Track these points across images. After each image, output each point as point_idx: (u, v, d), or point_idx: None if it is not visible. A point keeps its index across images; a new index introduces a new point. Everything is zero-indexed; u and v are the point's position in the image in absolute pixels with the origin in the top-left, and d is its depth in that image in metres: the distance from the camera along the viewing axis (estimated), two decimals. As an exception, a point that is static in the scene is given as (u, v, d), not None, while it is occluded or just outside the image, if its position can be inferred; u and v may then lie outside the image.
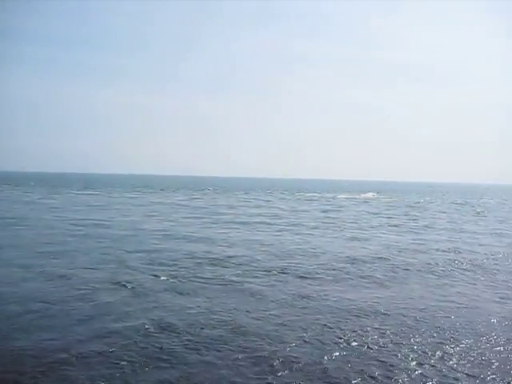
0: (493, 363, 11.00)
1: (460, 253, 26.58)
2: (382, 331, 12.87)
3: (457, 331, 13.13)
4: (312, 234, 33.66)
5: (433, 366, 10.74)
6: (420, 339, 12.38)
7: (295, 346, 11.71)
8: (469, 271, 21.57)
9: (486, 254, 26.27)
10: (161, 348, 11.34)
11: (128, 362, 10.52)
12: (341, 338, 12.23)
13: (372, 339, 12.24)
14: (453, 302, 16.21)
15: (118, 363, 10.44)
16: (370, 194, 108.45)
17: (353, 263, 22.44)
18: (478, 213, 61.56)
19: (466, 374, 10.38)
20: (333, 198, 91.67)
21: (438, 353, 11.49)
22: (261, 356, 11.01)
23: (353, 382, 9.86)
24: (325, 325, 13.28)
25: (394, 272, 20.77)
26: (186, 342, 11.72)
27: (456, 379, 10.09)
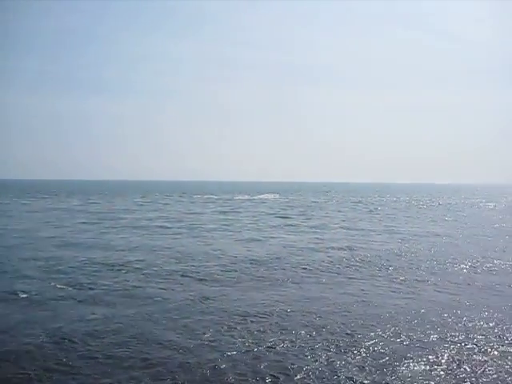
0: (390, 354, 11.49)
1: (355, 250, 27.59)
2: (281, 330, 13.15)
3: (354, 326, 13.62)
4: (211, 236, 33.87)
5: (330, 361, 11.06)
6: (318, 336, 12.74)
7: (193, 348, 11.76)
8: (364, 268, 22.45)
9: (379, 251, 27.46)
10: (58, 359, 11.02)
11: (22, 375, 10.18)
12: (239, 339, 12.39)
13: (270, 339, 12.45)
14: (349, 297, 16.80)
15: (10, 378, 10.06)
16: (267, 195, 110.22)
17: (252, 264, 22.79)
18: (371, 211, 64.18)
19: (361, 366, 10.76)
20: (230, 200, 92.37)
21: (333, 348, 11.86)
22: (159, 361, 10.98)
23: (250, 381, 10.03)
24: (224, 326, 13.41)
25: (291, 271, 21.26)
26: (84, 352, 11.46)
27: (349, 372, 10.45)
